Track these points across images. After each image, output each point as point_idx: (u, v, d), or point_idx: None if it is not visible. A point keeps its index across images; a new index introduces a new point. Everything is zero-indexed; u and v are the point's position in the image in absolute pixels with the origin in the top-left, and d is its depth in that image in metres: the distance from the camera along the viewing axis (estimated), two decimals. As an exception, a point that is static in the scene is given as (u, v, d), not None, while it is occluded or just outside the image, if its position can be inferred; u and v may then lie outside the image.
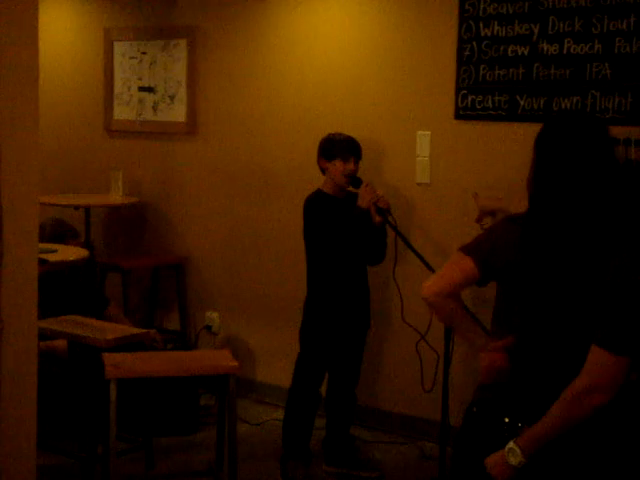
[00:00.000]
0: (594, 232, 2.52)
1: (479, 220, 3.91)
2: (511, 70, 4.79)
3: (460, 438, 2.72)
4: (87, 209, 6.04)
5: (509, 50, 4.78)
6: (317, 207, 4.61)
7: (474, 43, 4.88)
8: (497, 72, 4.83)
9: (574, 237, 2.53)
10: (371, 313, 4.83)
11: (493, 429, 2.55)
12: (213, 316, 6.00)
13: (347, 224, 4.48)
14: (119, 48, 6.30)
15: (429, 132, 5.10)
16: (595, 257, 2.49)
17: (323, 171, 4.69)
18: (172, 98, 6.09)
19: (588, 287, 2.48)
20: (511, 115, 4.80)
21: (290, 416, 4.73)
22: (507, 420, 2.55)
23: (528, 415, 2.49)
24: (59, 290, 5.01)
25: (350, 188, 4.65)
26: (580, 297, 2.51)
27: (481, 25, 4.85)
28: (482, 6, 4.83)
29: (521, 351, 2.58)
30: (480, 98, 4.90)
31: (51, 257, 4.41)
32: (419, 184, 5.15)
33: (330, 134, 4.73)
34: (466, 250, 2.64)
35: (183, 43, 5.99)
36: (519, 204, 3.50)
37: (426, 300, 2.70)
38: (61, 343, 4.59)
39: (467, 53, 4.91)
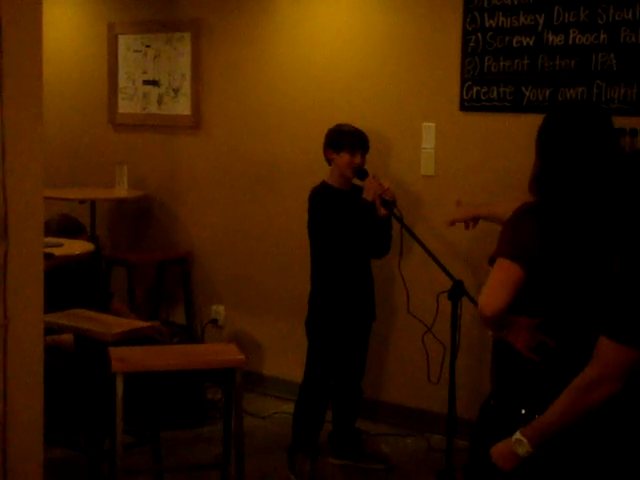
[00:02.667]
0: (605, 221, 2.52)
1: (452, 224, 3.84)
2: (516, 61, 4.77)
3: (477, 431, 2.71)
4: (92, 203, 6.04)
5: (514, 41, 4.77)
6: (322, 199, 4.59)
7: (479, 34, 4.87)
8: (502, 63, 4.82)
9: (589, 227, 2.52)
10: (376, 305, 4.82)
11: (510, 421, 2.53)
12: (219, 310, 6.00)
13: (352, 216, 4.47)
14: (123, 41, 6.29)
15: (434, 124, 5.09)
16: (606, 247, 2.49)
17: (329, 161, 4.67)
18: (176, 92, 6.08)
19: (600, 277, 2.48)
20: (516, 106, 4.78)
21: (301, 409, 4.72)
22: (524, 412, 2.54)
23: (544, 406, 2.47)
24: (65, 284, 5.01)
25: (355, 180, 4.64)
26: (595, 288, 2.50)
27: (486, 16, 4.83)
28: (487, -3, 4.83)
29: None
30: (485, 89, 4.88)
31: (57, 251, 4.40)
32: (424, 176, 5.14)
33: (339, 125, 4.70)
34: (508, 255, 2.56)
35: (187, 36, 5.98)
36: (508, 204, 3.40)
37: (489, 319, 2.58)
38: (67, 337, 4.59)
39: (472, 44, 4.89)
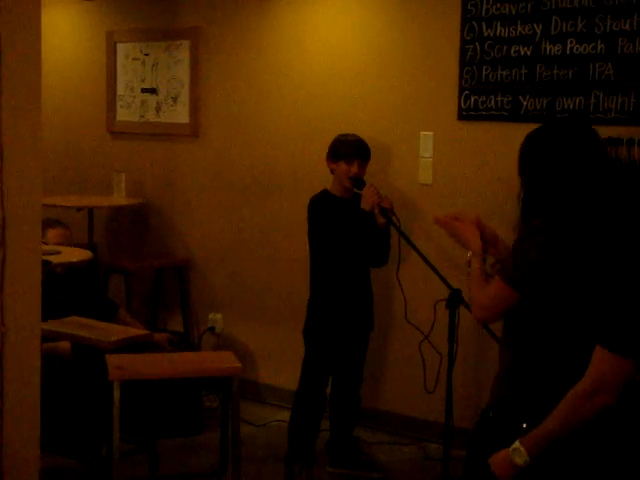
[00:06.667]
0: (604, 234, 2.53)
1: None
2: (514, 70, 4.78)
3: (475, 442, 2.70)
4: (90, 210, 6.04)
5: (512, 50, 4.78)
6: (322, 207, 4.60)
7: (477, 44, 4.88)
8: (500, 73, 4.83)
9: (592, 242, 2.53)
10: (375, 314, 4.82)
11: (510, 434, 2.52)
12: (216, 317, 5.99)
13: (351, 226, 4.48)
14: (122, 49, 6.30)
15: (432, 133, 5.09)
16: (605, 259, 2.50)
17: (332, 171, 4.68)
18: (175, 100, 6.09)
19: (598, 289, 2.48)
20: (514, 116, 4.79)
21: (296, 418, 4.71)
22: (525, 426, 2.53)
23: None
24: (63, 292, 5.00)
25: (354, 189, 4.65)
26: (592, 300, 2.50)
27: (484, 26, 4.85)
28: (485, 7, 4.83)
29: (539, 356, 2.58)
30: (483, 99, 4.89)
31: (54, 259, 4.40)
32: (422, 185, 5.15)
33: (340, 135, 4.71)
34: (504, 278, 2.63)
35: (186, 44, 5.99)
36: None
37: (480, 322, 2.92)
38: (65, 345, 4.59)
39: (470, 54, 4.90)
